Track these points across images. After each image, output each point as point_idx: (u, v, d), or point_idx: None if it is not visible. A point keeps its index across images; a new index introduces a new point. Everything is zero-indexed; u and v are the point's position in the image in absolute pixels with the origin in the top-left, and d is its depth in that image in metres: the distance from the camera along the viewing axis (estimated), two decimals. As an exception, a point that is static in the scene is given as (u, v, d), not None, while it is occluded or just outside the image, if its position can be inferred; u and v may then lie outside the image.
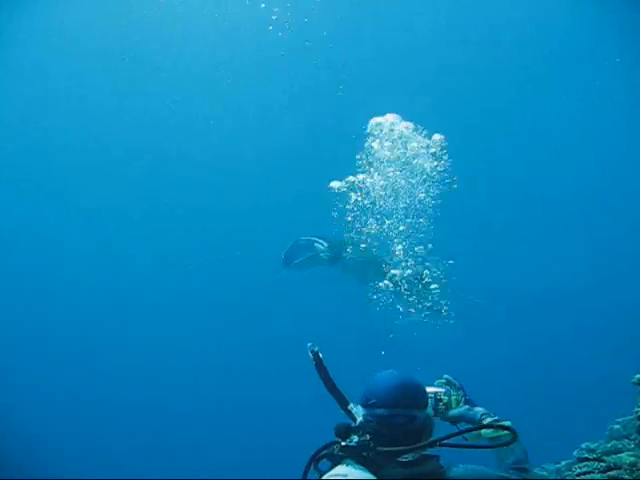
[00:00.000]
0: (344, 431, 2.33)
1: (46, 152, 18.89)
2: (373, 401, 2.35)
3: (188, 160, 19.24)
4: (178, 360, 16.90)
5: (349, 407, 2.42)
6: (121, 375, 16.14)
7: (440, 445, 2.28)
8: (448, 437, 2.30)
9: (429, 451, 2.28)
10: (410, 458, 2.22)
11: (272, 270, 12.10)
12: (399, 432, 2.29)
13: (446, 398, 2.67)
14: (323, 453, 2.33)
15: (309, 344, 2.47)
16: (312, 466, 2.33)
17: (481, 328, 14.11)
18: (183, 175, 19.41)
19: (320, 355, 2.45)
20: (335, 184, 9.28)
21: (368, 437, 2.28)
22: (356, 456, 2.25)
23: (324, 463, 2.33)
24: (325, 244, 9.88)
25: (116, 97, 18.31)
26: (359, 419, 2.37)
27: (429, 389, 2.59)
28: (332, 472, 2.23)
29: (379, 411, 2.33)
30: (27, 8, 15.51)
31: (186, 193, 19.53)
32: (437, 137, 8.72)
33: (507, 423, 2.40)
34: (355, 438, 2.29)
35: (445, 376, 2.76)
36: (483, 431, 2.44)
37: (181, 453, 15.70)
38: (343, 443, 2.28)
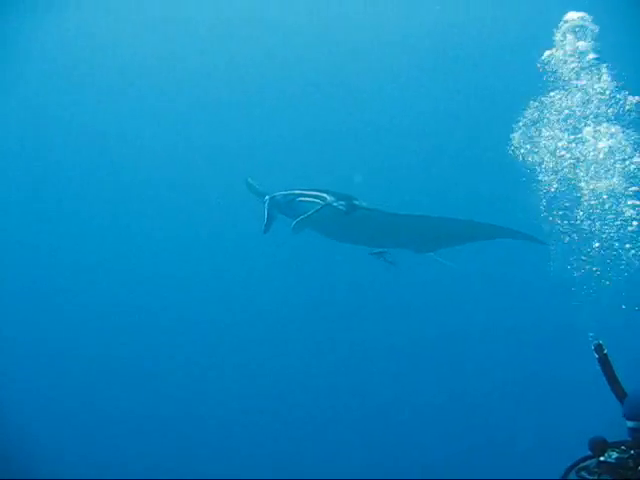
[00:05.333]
0: (599, 446, 2.24)
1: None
2: None
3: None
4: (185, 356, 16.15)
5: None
6: (123, 371, 15.62)
7: None
8: None
9: None
10: None
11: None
12: None
13: None
14: (581, 466, 2.29)
15: (591, 334, 2.56)
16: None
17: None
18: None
19: (604, 350, 2.48)
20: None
21: (632, 452, 2.18)
22: (614, 473, 2.16)
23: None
24: (325, 195, 7.29)
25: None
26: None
27: None
28: None
29: None
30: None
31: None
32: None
33: None
34: (614, 454, 2.19)
35: None
36: None
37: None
38: (601, 458, 2.21)
